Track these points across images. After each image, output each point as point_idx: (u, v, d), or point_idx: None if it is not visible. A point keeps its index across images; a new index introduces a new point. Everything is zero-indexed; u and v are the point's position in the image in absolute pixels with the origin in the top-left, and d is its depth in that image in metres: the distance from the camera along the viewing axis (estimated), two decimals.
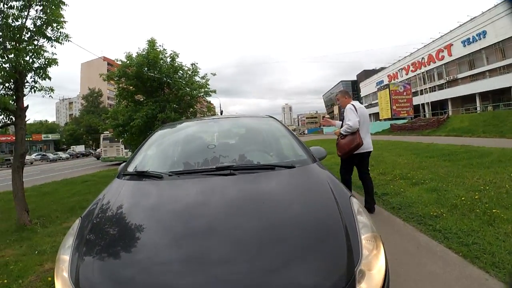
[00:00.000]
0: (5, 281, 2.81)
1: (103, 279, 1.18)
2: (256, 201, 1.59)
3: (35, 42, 4.97)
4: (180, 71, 11.04)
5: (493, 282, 2.20)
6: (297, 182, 1.81)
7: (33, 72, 4.95)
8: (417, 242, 3.05)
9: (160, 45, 10.60)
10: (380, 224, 3.47)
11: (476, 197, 4.09)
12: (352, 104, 3.99)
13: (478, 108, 32.63)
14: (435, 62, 40.61)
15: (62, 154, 48.18)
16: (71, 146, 61.95)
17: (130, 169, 2.16)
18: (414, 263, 2.60)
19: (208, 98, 13.07)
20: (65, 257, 1.35)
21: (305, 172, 1.90)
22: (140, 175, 2.00)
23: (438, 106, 39.11)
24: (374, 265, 1.22)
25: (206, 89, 11.26)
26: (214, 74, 11.93)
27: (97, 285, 1.16)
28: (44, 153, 48.06)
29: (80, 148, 59.41)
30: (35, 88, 5.02)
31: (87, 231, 1.44)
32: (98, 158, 28.62)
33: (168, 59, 10.83)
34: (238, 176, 1.83)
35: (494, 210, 3.49)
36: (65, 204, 6.43)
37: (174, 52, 11.00)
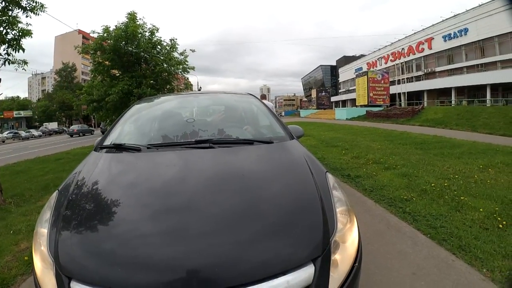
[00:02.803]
0: None
1: (83, 253, 1.16)
2: (235, 174, 1.61)
3: (10, 13, 4.66)
4: (159, 46, 10.70)
5: (459, 264, 2.33)
6: (275, 157, 1.83)
7: (6, 44, 4.66)
8: (387, 223, 3.20)
9: (140, 19, 10.19)
10: (352, 204, 3.61)
11: (445, 184, 4.27)
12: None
13: (453, 102, 33.54)
14: (415, 54, 41.44)
15: (35, 132, 45.87)
16: (44, 123, 59.29)
17: (107, 142, 2.11)
18: (384, 242, 2.74)
19: (187, 76, 12.89)
20: (43, 230, 1.31)
21: (283, 148, 1.93)
22: (118, 148, 1.97)
23: (414, 97, 40.03)
24: (348, 238, 1.28)
25: (184, 66, 11.03)
26: (193, 51, 11.71)
27: (77, 258, 1.14)
28: (16, 131, 45.67)
29: (53, 125, 57.05)
30: (8, 61, 4.76)
31: (65, 204, 1.40)
32: (103, 133, 30.06)
33: (147, 33, 10.44)
34: (217, 149, 1.85)
35: (462, 198, 3.65)
36: (39, 183, 6.26)
37: (153, 26, 10.61)
